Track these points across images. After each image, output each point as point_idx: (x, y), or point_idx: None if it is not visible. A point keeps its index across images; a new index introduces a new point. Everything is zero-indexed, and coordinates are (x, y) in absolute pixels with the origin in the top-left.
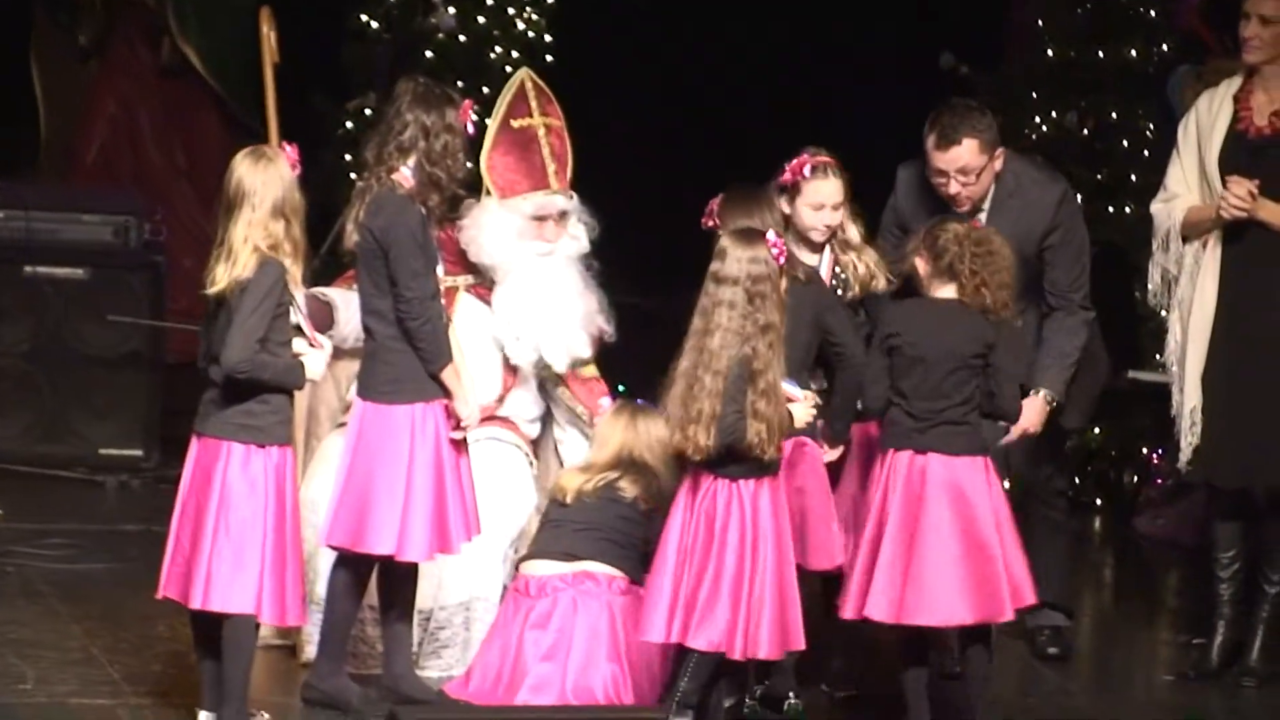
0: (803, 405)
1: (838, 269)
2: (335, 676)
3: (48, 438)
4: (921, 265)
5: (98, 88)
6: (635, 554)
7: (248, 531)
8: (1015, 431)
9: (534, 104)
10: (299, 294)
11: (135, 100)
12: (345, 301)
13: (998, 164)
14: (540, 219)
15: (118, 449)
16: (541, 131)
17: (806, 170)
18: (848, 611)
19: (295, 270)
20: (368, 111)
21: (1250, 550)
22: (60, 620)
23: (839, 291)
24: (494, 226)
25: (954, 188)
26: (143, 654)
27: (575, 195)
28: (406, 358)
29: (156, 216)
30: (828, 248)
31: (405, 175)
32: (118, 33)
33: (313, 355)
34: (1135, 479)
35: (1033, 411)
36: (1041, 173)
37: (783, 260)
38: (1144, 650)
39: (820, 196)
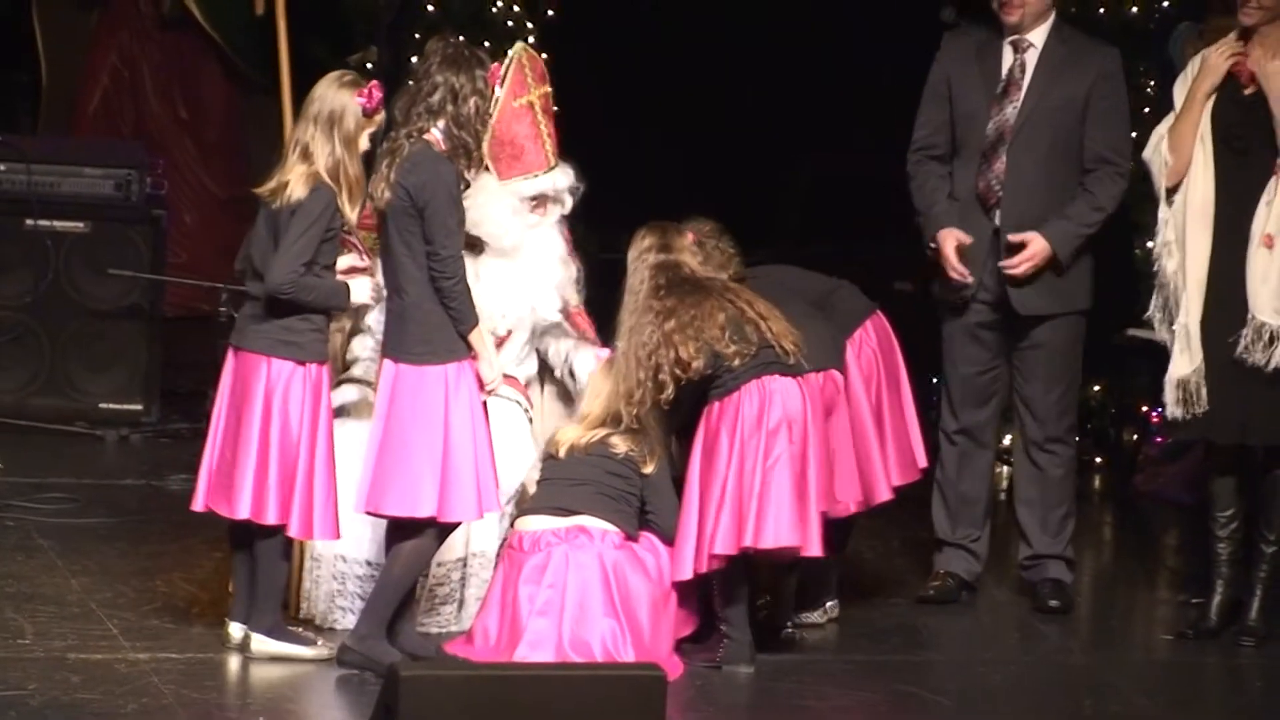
0: None
1: None
2: (377, 640)
3: (48, 391)
4: (697, 264)
5: (99, 39)
6: (630, 509)
7: (289, 447)
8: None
9: (530, 78)
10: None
11: (137, 52)
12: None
13: None
14: (536, 199)
15: (118, 403)
16: (538, 106)
17: None
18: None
19: (348, 209)
20: (369, 65)
21: (1249, 509)
22: (59, 574)
23: None
24: (491, 205)
25: None
26: (141, 608)
27: (566, 165)
28: (437, 317)
29: (158, 170)
30: None
31: (437, 137)
32: None
33: (359, 279)
34: (1135, 437)
35: (1034, 248)
36: (1099, 41)
37: None
38: (1143, 609)
39: None
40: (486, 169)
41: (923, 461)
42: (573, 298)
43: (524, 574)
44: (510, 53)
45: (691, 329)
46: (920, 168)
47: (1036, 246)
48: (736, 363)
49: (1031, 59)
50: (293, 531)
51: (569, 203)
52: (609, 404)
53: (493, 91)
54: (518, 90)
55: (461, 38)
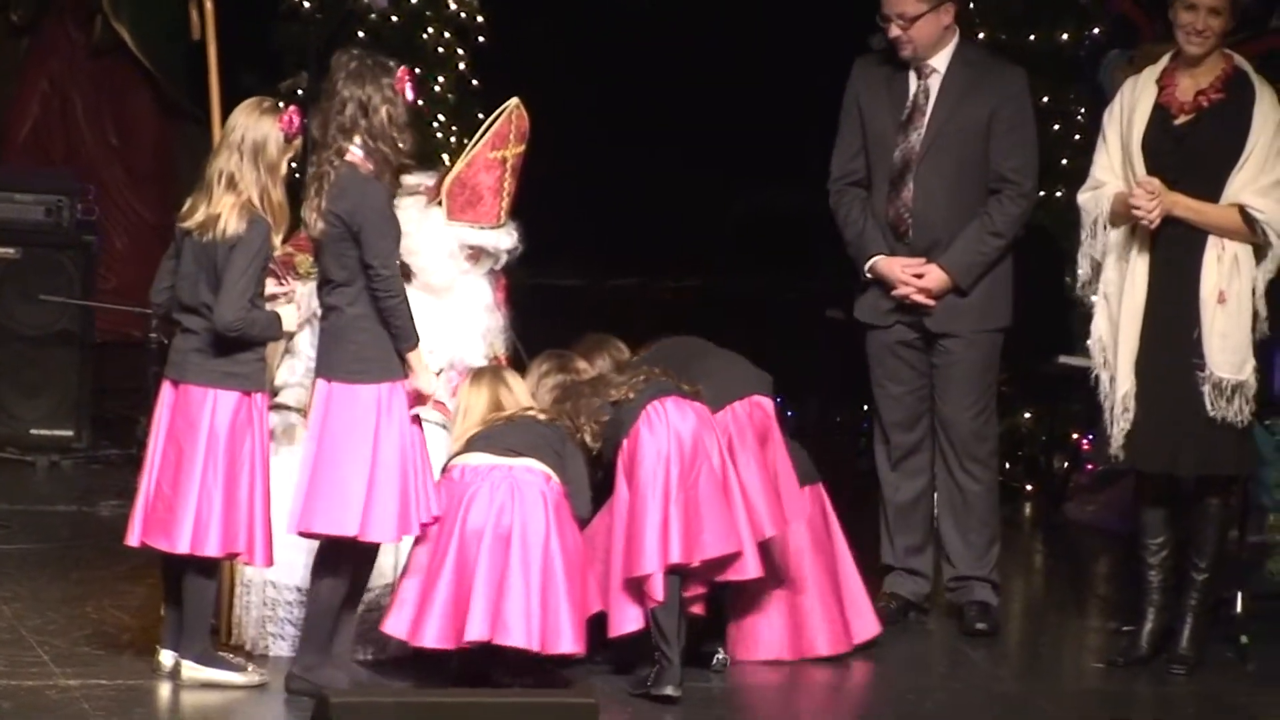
0: None
1: None
2: (322, 668)
3: None
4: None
5: (30, 66)
6: (561, 466)
7: (239, 477)
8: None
9: (512, 135)
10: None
11: (67, 79)
12: None
13: (945, 19)
14: (475, 249)
15: (48, 429)
16: (509, 163)
17: None
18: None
19: (274, 236)
20: (300, 92)
21: (1179, 537)
22: None
23: None
24: (430, 237)
25: (894, 31)
26: (71, 635)
27: (513, 226)
28: (372, 336)
29: (89, 196)
30: None
31: (357, 155)
32: (50, 11)
33: (287, 308)
34: (1065, 465)
35: (928, 280)
36: (1004, 62)
37: None
38: (1073, 637)
39: None
40: (439, 204)
41: (858, 636)
42: (499, 346)
43: (463, 502)
44: (506, 105)
45: (584, 400)
46: (842, 197)
47: (930, 279)
48: (631, 395)
49: (935, 84)
50: (253, 560)
51: (503, 261)
52: (500, 403)
53: (404, 94)
54: (497, 142)
55: (365, 51)
